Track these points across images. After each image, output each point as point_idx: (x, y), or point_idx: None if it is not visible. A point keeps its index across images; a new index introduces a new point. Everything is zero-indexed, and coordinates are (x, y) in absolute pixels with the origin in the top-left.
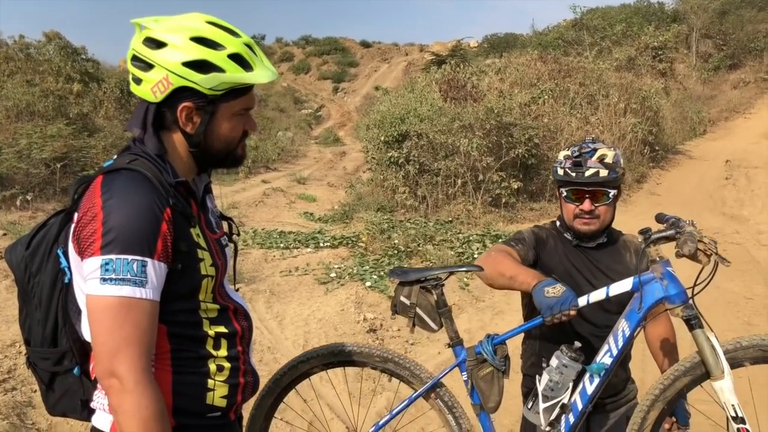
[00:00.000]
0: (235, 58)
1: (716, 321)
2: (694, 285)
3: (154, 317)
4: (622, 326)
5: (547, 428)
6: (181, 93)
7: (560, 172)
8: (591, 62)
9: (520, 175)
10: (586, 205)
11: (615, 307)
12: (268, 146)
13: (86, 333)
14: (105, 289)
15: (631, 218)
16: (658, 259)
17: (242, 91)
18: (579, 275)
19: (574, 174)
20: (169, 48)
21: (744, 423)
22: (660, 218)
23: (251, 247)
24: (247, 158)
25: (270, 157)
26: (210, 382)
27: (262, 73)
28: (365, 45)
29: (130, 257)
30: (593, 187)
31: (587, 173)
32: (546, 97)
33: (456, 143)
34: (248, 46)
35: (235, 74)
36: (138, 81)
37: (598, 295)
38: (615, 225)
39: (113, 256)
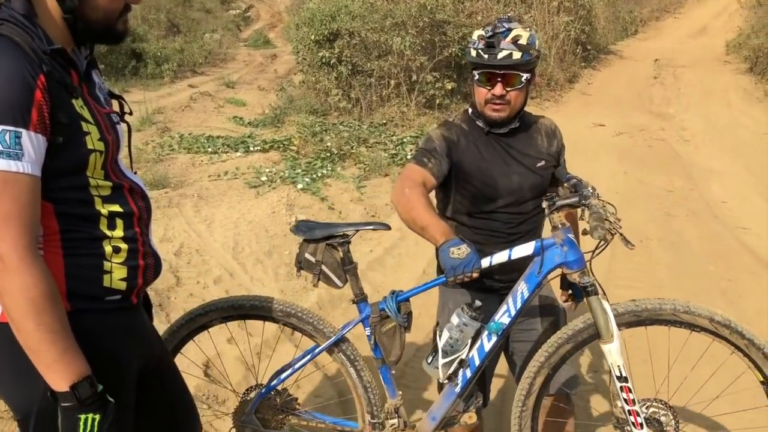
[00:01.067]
0: None
1: (639, 213)
2: (593, 253)
3: (35, 193)
4: (521, 288)
5: (445, 381)
6: None
7: (473, 53)
8: None
9: (454, 76)
10: (498, 89)
11: (530, 192)
12: (195, 49)
13: None
14: None
15: (562, 117)
16: (560, 225)
17: None
18: (492, 165)
19: (486, 56)
20: None
21: (626, 382)
22: (561, 176)
23: (177, 152)
24: (172, 62)
25: (196, 60)
26: (106, 264)
27: None
28: None
29: (1, 128)
30: (505, 70)
31: (500, 55)
32: None
33: (389, 42)
34: None
35: None
36: None
37: (500, 257)
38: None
39: None
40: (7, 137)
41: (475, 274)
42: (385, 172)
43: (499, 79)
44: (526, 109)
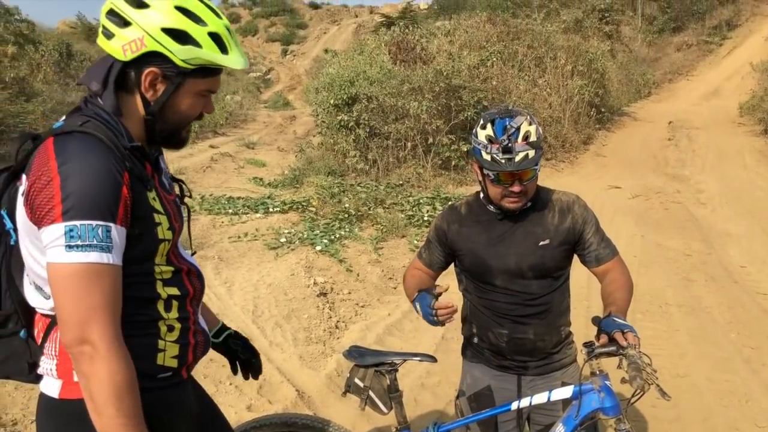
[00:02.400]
0: (215, 37)
1: (657, 277)
2: (628, 401)
3: (120, 282)
4: (559, 429)
5: None
6: (151, 57)
7: (486, 157)
8: (539, 24)
9: (469, 137)
10: (516, 187)
11: (530, 273)
12: (216, 110)
13: (31, 296)
14: (71, 256)
15: (577, 179)
16: (598, 372)
17: (212, 71)
18: (486, 247)
19: (504, 161)
20: (152, 10)
21: None
22: (598, 324)
23: (199, 213)
24: (194, 123)
25: (218, 121)
26: (161, 343)
27: (236, 59)
28: (314, 6)
29: (94, 222)
30: (523, 168)
31: (518, 158)
32: (494, 59)
33: (406, 106)
34: (227, 29)
35: (211, 53)
36: (109, 35)
37: (540, 398)
38: (562, 187)
39: (77, 222)
40: (100, 232)
41: (440, 312)
42: (402, 233)
43: (516, 178)
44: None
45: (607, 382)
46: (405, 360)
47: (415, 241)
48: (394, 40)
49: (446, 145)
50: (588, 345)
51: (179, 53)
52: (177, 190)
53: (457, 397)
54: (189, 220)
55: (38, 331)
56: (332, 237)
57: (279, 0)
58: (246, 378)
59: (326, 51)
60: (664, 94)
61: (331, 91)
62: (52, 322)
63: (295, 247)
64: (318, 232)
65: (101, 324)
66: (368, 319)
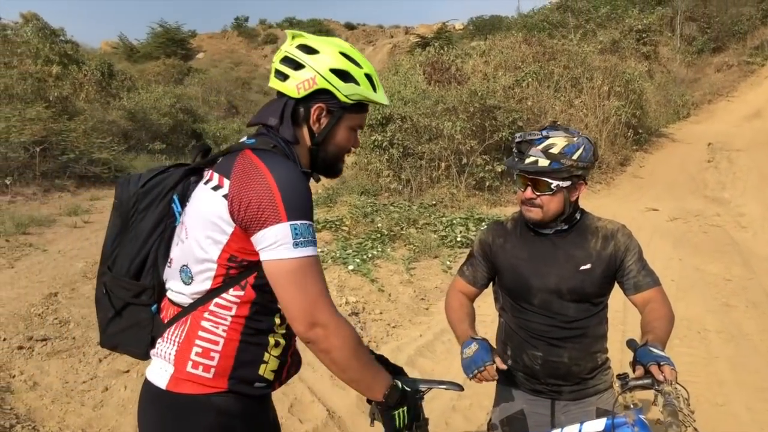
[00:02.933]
0: (368, 77)
1: (695, 302)
2: None
3: None
4: None
5: None
6: (319, 94)
7: (513, 151)
8: (575, 45)
9: (504, 158)
10: (527, 192)
11: (569, 296)
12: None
13: (171, 280)
14: (298, 251)
15: (614, 201)
16: (632, 405)
17: (363, 108)
18: (527, 264)
19: (516, 159)
20: (321, 55)
21: None
22: (633, 350)
23: None
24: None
25: None
26: (266, 355)
27: (382, 96)
28: (350, 27)
29: (307, 222)
30: (533, 175)
31: (526, 161)
32: (530, 79)
33: (440, 126)
34: (374, 73)
35: (366, 90)
36: (284, 77)
37: (571, 429)
38: (595, 210)
39: (299, 222)
40: (311, 230)
41: (489, 372)
42: (434, 254)
43: (528, 183)
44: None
45: (641, 416)
46: (430, 388)
47: (448, 262)
48: (429, 60)
49: (480, 165)
50: (622, 377)
51: (343, 89)
52: None
53: (489, 421)
54: None
55: (164, 316)
56: (364, 257)
57: (315, 21)
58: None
59: None
60: (703, 115)
61: None
62: (183, 312)
63: (327, 266)
64: (350, 251)
65: (325, 304)
66: (399, 340)
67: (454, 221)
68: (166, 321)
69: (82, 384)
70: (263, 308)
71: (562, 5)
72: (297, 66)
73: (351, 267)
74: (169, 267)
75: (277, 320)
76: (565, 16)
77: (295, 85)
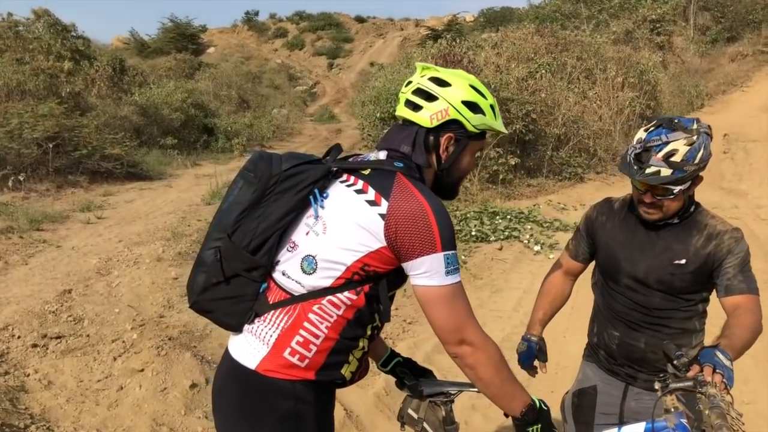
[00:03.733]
0: (492, 108)
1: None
2: None
3: None
4: None
5: None
6: (450, 124)
7: (627, 159)
8: (588, 36)
9: (518, 151)
10: (647, 197)
11: (656, 285)
12: (263, 124)
13: (290, 267)
14: (450, 279)
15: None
16: (673, 409)
17: (485, 134)
18: (621, 248)
19: (634, 167)
20: (454, 88)
21: None
22: (670, 353)
23: None
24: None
25: (265, 134)
26: (351, 356)
27: (501, 125)
28: (360, 20)
29: (454, 252)
30: (649, 182)
31: (647, 171)
32: (543, 71)
33: None
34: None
35: (490, 120)
36: (417, 108)
37: None
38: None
39: (450, 252)
40: (457, 258)
41: (537, 369)
42: None
43: (648, 189)
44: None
45: (683, 420)
46: (461, 391)
47: (463, 256)
48: (441, 52)
49: (494, 158)
50: (662, 378)
51: (473, 120)
52: None
53: (567, 394)
54: None
55: (269, 295)
56: None
57: (325, 14)
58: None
59: (372, 64)
60: (717, 105)
61: (377, 104)
62: (292, 299)
63: None
64: None
65: (473, 324)
66: (416, 336)
67: (468, 215)
68: (271, 302)
69: (97, 383)
70: (365, 316)
71: None
72: (430, 97)
73: None
74: (290, 251)
75: (369, 331)
76: (577, 7)
77: (429, 116)
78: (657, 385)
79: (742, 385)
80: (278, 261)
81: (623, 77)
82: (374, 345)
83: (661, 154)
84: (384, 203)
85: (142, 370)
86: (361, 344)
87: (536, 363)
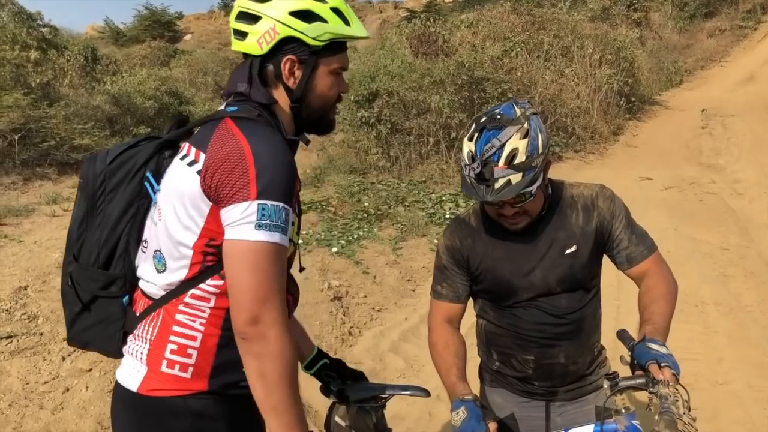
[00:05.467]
0: (336, 11)
1: (692, 273)
2: None
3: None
4: None
5: None
6: (285, 45)
7: (466, 178)
8: (565, 13)
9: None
10: (506, 210)
11: (559, 287)
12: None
13: (144, 268)
14: (260, 234)
15: (608, 171)
16: (623, 410)
17: (339, 47)
18: (505, 264)
19: (482, 188)
20: (276, 0)
21: None
22: (624, 339)
23: None
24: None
25: None
26: None
27: (358, 29)
28: None
29: (281, 204)
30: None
31: (496, 186)
32: (519, 49)
33: (427, 100)
34: (344, 3)
35: (337, 26)
36: (243, 35)
37: None
38: (590, 180)
39: (268, 202)
40: (284, 214)
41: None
42: (422, 232)
43: (504, 201)
44: (568, 172)
45: (634, 422)
46: (393, 394)
47: (435, 240)
48: (415, 32)
49: None
50: (611, 376)
51: (309, 31)
52: None
53: None
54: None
55: (136, 308)
56: (350, 237)
57: None
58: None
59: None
60: (696, 81)
61: (351, 87)
62: (154, 305)
63: (311, 249)
64: (336, 232)
65: (276, 305)
66: (384, 324)
67: (444, 198)
68: (138, 315)
69: (44, 385)
70: None
71: None
72: (253, 19)
73: (335, 249)
74: (143, 251)
75: None
76: None
77: (256, 41)
78: (605, 384)
79: (715, 365)
80: (137, 266)
81: (600, 54)
82: (301, 341)
83: (502, 162)
84: (202, 158)
85: (90, 370)
86: None
87: (489, 424)
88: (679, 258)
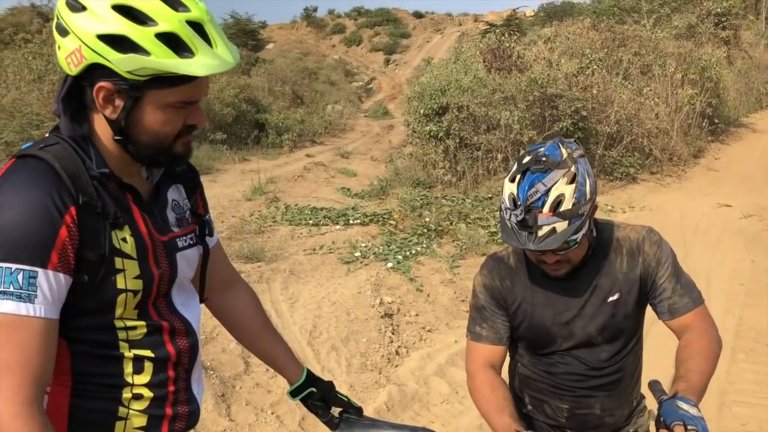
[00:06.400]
0: (167, 38)
1: (765, 310)
2: None
3: (49, 337)
4: None
5: None
6: (98, 70)
7: (506, 222)
8: (648, 31)
9: None
10: (548, 257)
11: (600, 337)
12: (315, 119)
13: None
14: None
15: (683, 196)
16: None
17: (179, 79)
18: (544, 310)
19: (524, 235)
20: (88, 14)
21: None
22: (654, 392)
23: (280, 224)
24: (293, 132)
25: (316, 130)
26: (122, 410)
27: (203, 62)
28: (418, 15)
29: (13, 266)
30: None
31: (539, 234)
32: (595, 66)
33: (497, 116)
34: (195, 23)
35: (161, 59)
36: (58, 47)
37: None
38: (662, 205)
39: None
40: (19, 277)
41: None
42: (482, 251)
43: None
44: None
45: None
46: None
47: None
48: (489, 47)
49: None
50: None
51: (120, 63)
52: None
53: None
54: (205, 264)
55: None
56: (407, 253)
57: (383, 10)
58: None
59: (423, 60)
60: None
61: (421, 100)
62: None
63: (368, 262)
64: (393, 247)
65: (9, 386)
66: (432, 346)
67: None
68: None
69: None
70: (90, 357)
71: None
72: (63, 31)
73: (390, 264)
74: None
75: (127, 371)
76: (638, 1)
77: (65, 59)
78: None
79: None
80: None
81: (683, 73)
82: (286, 363)
83: (547, 208)
84: None
85: None
86: (126, 394)
87: None
88: (754, 292)
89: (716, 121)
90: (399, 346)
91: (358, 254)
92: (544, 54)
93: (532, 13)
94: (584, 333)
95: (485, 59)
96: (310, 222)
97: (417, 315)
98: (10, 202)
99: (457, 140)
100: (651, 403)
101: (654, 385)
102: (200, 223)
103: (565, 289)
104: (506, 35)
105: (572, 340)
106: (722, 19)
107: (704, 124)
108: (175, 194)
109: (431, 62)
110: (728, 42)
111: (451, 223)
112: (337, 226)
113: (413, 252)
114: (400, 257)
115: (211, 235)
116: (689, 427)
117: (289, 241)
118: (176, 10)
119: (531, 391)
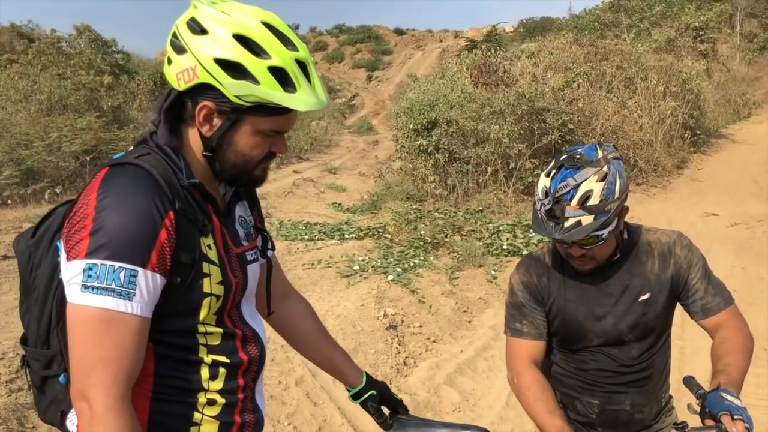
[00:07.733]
0: (277, 72)
1: (760, 316)
2: None
3: (142, 336)
4: None
5: None
6: (205, 89)
7: (538, 215)
8: (629, 44)
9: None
10: (574, 250)
11: (631, 334)
12: (300, 136)
13: None
14: (85, 297)
15: (670, 206)
16: None
17: (279, 109)
18: (577, 306)
19: (551, 225)
20: (209, 38)
21: None
22: (691, 387)
23: (275, 239)
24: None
25: (302, 146)
26: (197, 415)
27: (303, 99)
28: (399, 32)
29: (117, 264)
30: (573, 239)
31: (565, 225)
32: (581, 80)
33: (486, 130)
34: (301, 62)
35: (269, 90)
36: (169, 62)
37: None
38: (651, 215)
39: (98, 261)
40: (121, 275)
41: None
42: (479, 262)
43: (573, 241)
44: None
45: None
46: None
47: (493, 272)
48: (476, 63)
49: (529, 169)
50: (680, 427)
51: (231, 88)
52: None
53: None
54: (269, 276)
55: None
56: (406, 266)
57: (365, 27)
58: None
59: (410, 76)
60: (765, 114)
61: (410, 115)
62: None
63: (368, 276)
64: (392, 260)
65: (103, 380)
66: (439, 356)
67: (501, 228)
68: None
69: None
70: (173, 361)
71: (614, 5)
72: (181, 49)
73: (390, 277)
74: None
75: (204, 376)
76: (617, 16)
77: (176, 74)
78: (672, 431)
79: None
80: None
81: (665, 86)
82: (347, 369)
83: (575, 201)
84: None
85: None
86: (202, 399)
87: None
88: (746, 298)
89: (698, 132)
90: (406, 357)
91: (356, 268)
92: (529, 69)
93: (512, 29)
94: (615, 330)
95: (472, 75)
96: (306, 237)
97: (421, 326)
98: (116, 205)
99: (447, 154)
100: (679, 401)
101: (689, 381)
102: (262, 237)
103: (598, 287)
104: (492, 51)
105: (603, 336)
106: (700, 33)
107: (686, 135)
108: (241, 211)
109: (417, 78)
110: (707, 55)
111: (446, 236)
112: (333, 241)
113: (411, 264)
114: (399, 270)
115: (273, 249)
116: (735, 417)
117: (286, 256)
118: (287, 47)
119: (563, 388)
